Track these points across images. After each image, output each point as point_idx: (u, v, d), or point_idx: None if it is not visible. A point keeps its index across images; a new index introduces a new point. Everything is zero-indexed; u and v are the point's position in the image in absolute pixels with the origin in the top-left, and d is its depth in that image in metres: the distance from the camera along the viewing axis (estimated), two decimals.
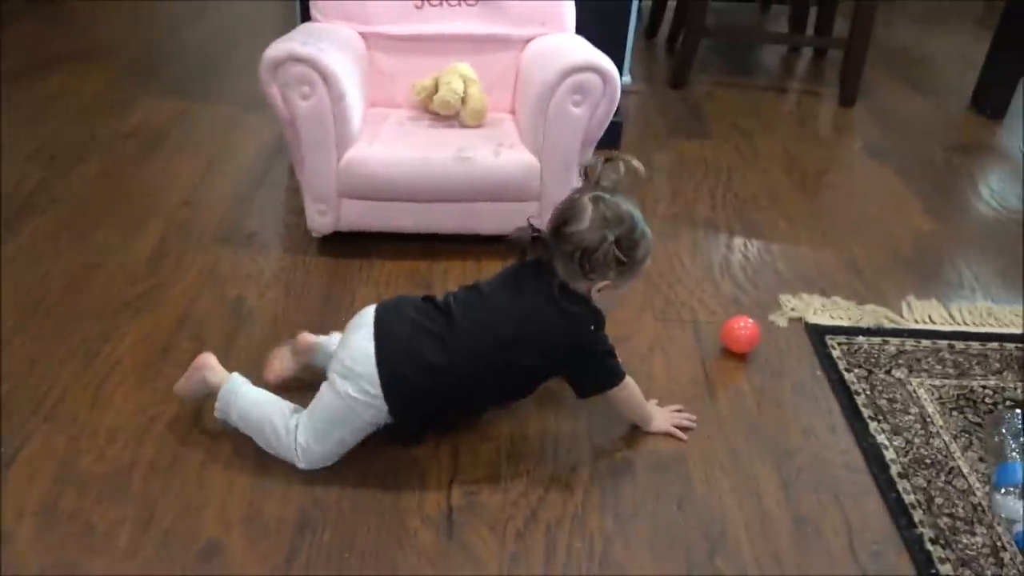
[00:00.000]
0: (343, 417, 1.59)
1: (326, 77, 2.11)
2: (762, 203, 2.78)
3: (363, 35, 2.47)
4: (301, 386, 1.77)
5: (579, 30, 2.53)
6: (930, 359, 2.06)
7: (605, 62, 2.19)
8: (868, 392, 1.93)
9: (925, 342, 2.12)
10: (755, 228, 2.63)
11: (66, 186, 2.61)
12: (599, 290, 1.57)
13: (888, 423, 1.85)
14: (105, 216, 2.46)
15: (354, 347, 1.57)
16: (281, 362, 1.83)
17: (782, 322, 2.17)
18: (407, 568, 1.48)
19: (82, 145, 2.87)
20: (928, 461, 1.75)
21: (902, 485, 1.69)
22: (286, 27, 2.36)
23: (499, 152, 2.25)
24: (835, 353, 2.06)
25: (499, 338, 1.56)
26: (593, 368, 1.64)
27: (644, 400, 1.76)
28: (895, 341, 2.11)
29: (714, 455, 1.75)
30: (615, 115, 2.30)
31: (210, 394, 1.71)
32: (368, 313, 1.62)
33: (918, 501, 1.65)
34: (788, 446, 1.79)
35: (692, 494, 1.65)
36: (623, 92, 2.32)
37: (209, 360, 1.72)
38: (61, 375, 1.85)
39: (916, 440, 1.80)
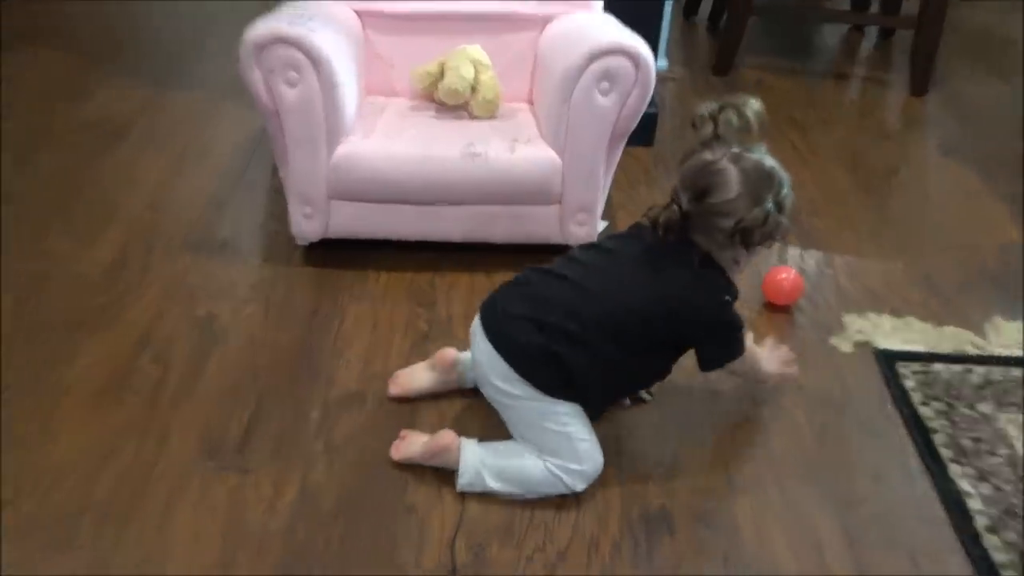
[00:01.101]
0: (550, 418, 1.65)
1: (316, 61, 2.10)
2: (821, 207, 2.75)
3: (359, 13, 2.47)
4: (424, 401, 1.88)
5: (608, 8, 2.52)
6: (1021, 391, 2.01)
7: (637, 44, 2.18)
8: (948, 430, 1.89)
9: (1015, 371, 2.07)
10: (813, 237, 2.59)
11: (15, 182, 2.62)
12: (733, 262, 1.68)
13: (972, 466, 1.80)
14: (58, 219, 2.46)
15: (477, 360, 1.70)
16: (413, 377, 1.90)
17: (846, 347, 2.14)
18: None
19: (36, 135, 2.88)
20: (1020, 512, 1.70)
21: (990, 541, 1.64)
22: (270, 4, 2.36)
23: (514, 148, 2.24)
24: (909, 383, 2.02)
25: (634, 311, 1.63)
26: (725, 342, 1.73)
27: (759, 359, 1.85)
28: (979, 370, 2.07)
29: (767, 504, 1.71)
30: (649, 105, 2.29)
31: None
32: (475, 323, 1.72)
33: (1010, 561, 1.61)
34: (854, 494, 1.75)
35: (741, 551, 1.62)
36: (658, 79, 2.31)
37: (453, 442, 1.69)
38: (1, 404, 1.83)
39: (1006, 487, 1.76)
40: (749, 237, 1.60)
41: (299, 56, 2.09)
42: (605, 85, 2.18)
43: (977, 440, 1.87)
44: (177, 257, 2.33)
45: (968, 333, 2.20)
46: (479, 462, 1.67)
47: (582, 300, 1.64)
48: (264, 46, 2.09)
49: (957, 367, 2.08)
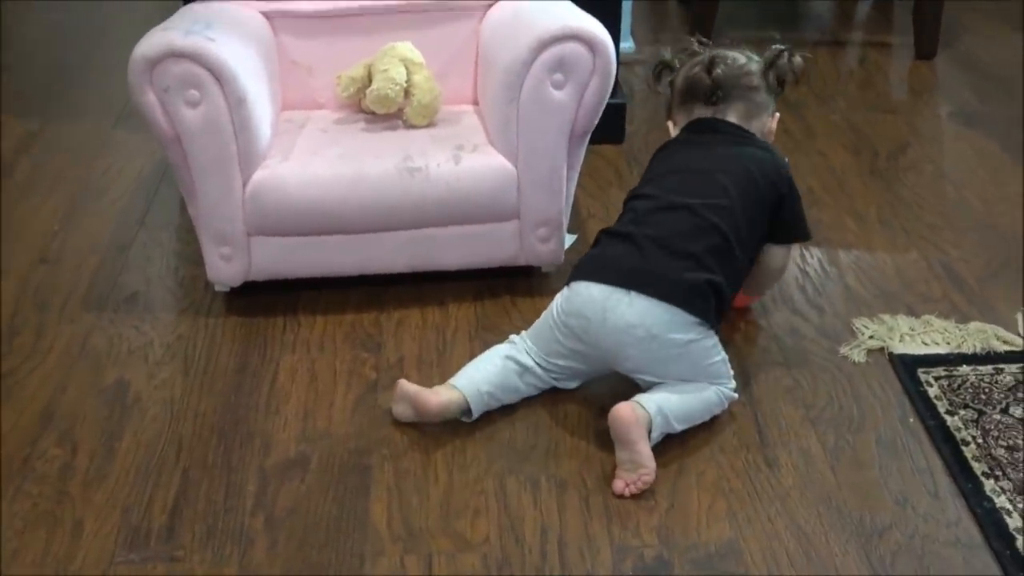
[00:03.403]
0: (712, 352, 1.99)
1: (220, 76, 2.14)
2: (821, 197, 2.83)
3: (267, 16, 2.51)
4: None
5: None
6: None
7: (592, 26, 2.24)
8: (980, 440, 1.96)
9: None
10: (814, 231, 2.63)
11: None
12: (774, 122, 2.23)
13: (1009, 479, 1.87)
14: None
15: (616, 332, 1.94)
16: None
17: (858, 356, 2.21)
18: None
19: None
20: None
21: None
22: (166, 13, 2.40)
23: (459, 158, 2.30)
24: (932, 391, 2.09)
25: (745, 187, 2.05)
26: (800, 210, 2.17)
27: None
28: (1012, 369, 2.15)
29: (779, 541, 1.77)
30: (614, 95, 2.35)
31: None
32: (595, 301, 1.97)
33: None
34: (877, 522, 1.81)
35: None
36: (623, 63, 2.37)
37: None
38: None
39: None
40: (782, 73, 2.19)
41: (199, 71, 2.13)
42: (558, 77, 2.24)
43: (1013, 449, 1.94)
44: (77, 317, 2.36)
45: (996, 328, 2.27)
46: (662, 416, 1.91)
47: (704, 211, 1.99)
48: (156, 62, 2.12)
49: (986, 368, 2.15)
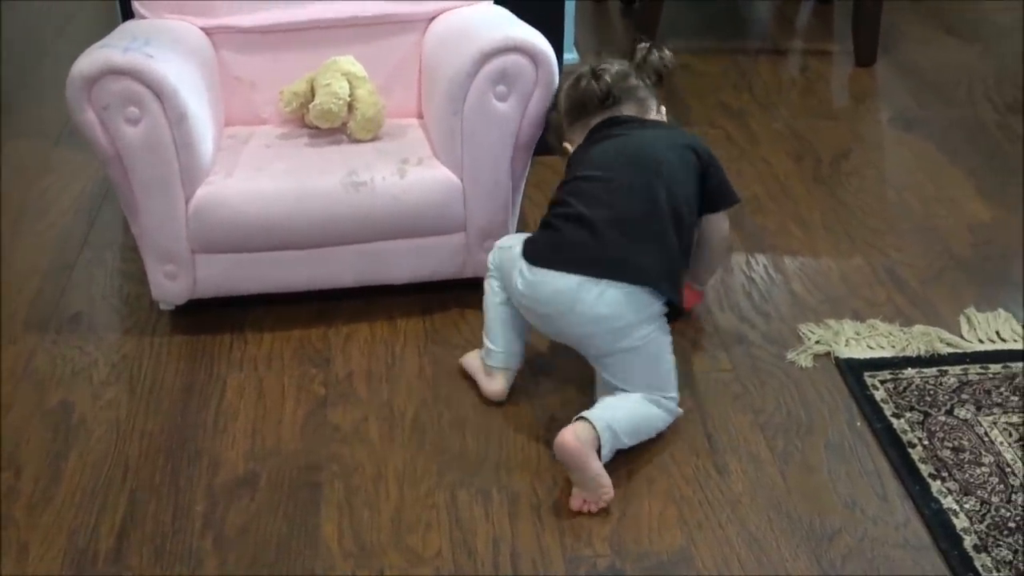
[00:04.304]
0: (666, 347, 2.01)
1: (160, 92, 2.13)
2: (766, 204, 2.86)
3: (207, 31, 2.50)
4: None
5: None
6: (1003, 389, 2.12)
7: (534, 37, 2.25)
8: (926, 442, 1.99)
9: (994, 367, 2.19)
10: (759, 238, 2.70)
11: None
12: (662, 116, 2.26)
13: (956, 480, 1.90)
14: None
15: (585, 322, 1.96)
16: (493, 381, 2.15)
17: (805, 361, 2.23)
18: None
19: None
20: (1013, 525, 1.80)
21: (981, 561, 1.73)
22: (105, 30, 2.38)
23: (404, 171, 2.30)
24: (878, 394, 2.11)
25: (671, 160, 2.08)
26: (724, 177, 2.18)
27: None
28: (955, 370, 2.18)
29: (730, 547, 1.79)
30: (553, 108, 2.35)
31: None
32: (556, 297, 1.98)
33: None
34: (827, 526, 1.83)
35: None
36: (566, 74, 2.37)
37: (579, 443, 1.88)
38: None
39: (994, 499, 1.85)
40: (656, 67, 2.25)
41: (138, 88, 2.11)
42: (501, 89, 2.25)
43: (958, 450, 1.97)
44: (19, 338, 2.34)
45: (939, 331, 2.30)
46: (611, 432, 1.89)
47: (649, 189, 2.02)
48: (95, 80, 2.10)
49: (930, 370, 2.18)
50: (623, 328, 1.94)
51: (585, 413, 1.90)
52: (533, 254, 2.01)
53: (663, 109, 2.28)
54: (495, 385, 2.12)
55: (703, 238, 2.22)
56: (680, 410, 2.03)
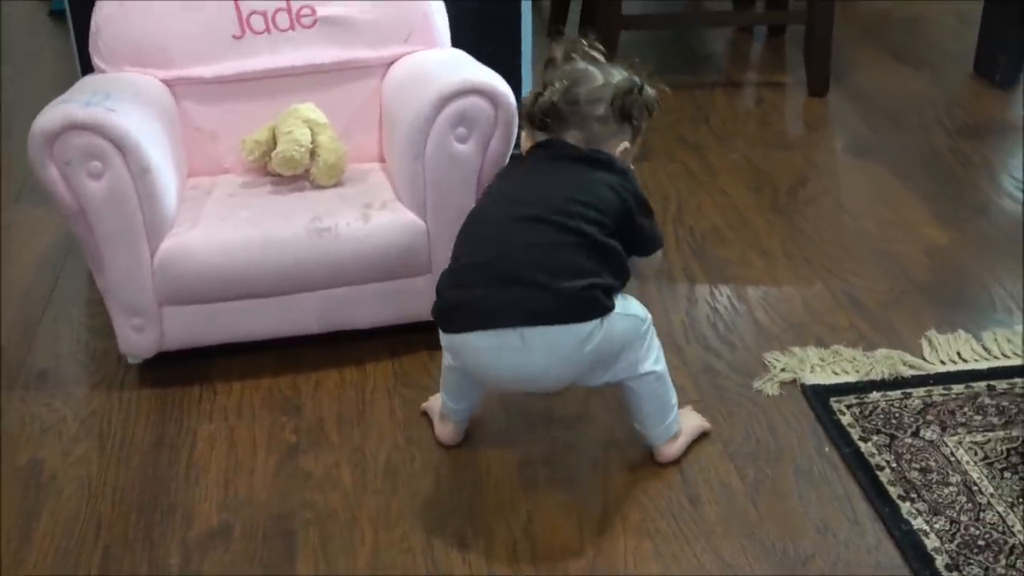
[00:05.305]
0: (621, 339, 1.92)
1: (122, 146, 2.13)
2: (726, 235, 2.88)
3: (167, 83, 2.50)
4: None
5: (457, 42, 2.62)
6: (966, 409, 2.15)
7: (492, 79, 2.28)
8: (894, 464, 2.01)
9: (957, 387, 2.22)
10: (721, 269, 2.73)
11: None
12: (620, 152, 2.01)
13: (924, 501, 1.92)
14: None
15: (536, 366, 1.86)
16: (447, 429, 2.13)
17: (771, 389, 2.25)
18: None
19: None
20: (982, 543, 1.82)
21: None
22: (65, 85, 2.39)
23: (368, 216, 2.31)
24: (845, 419, 2.13)
25: (579, 199, 1.90)
26: (650, 221, 2.04)
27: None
28: (919, 392, 2.21)
29: None
30: (518, 145, 2.37)
31: None
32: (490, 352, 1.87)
33: None
34: (800, 551, 1.84)
35: None
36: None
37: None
38: None
39: (963, 518, 1.88)
40: (628, 109, 2.00)
41: (100, 142, 2.11)
42: (462, 131, 2.27)
43: (926, 471, 1.99)
44: None
45: (902, 353, 2.33)
46: (663, 429, 2.02)
47: (555, 218, 1.87)
48: (56, 135, 2.10)
49: (895, 393, 2.21)
50: (568, 365, 1.86)
51: (636, 435, 2.06)
52: (444, 322, 1.92)
53: (624, 146, 2.01)
54: (446, 431, 2.12)
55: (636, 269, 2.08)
56: (661, 361, 2.00)
